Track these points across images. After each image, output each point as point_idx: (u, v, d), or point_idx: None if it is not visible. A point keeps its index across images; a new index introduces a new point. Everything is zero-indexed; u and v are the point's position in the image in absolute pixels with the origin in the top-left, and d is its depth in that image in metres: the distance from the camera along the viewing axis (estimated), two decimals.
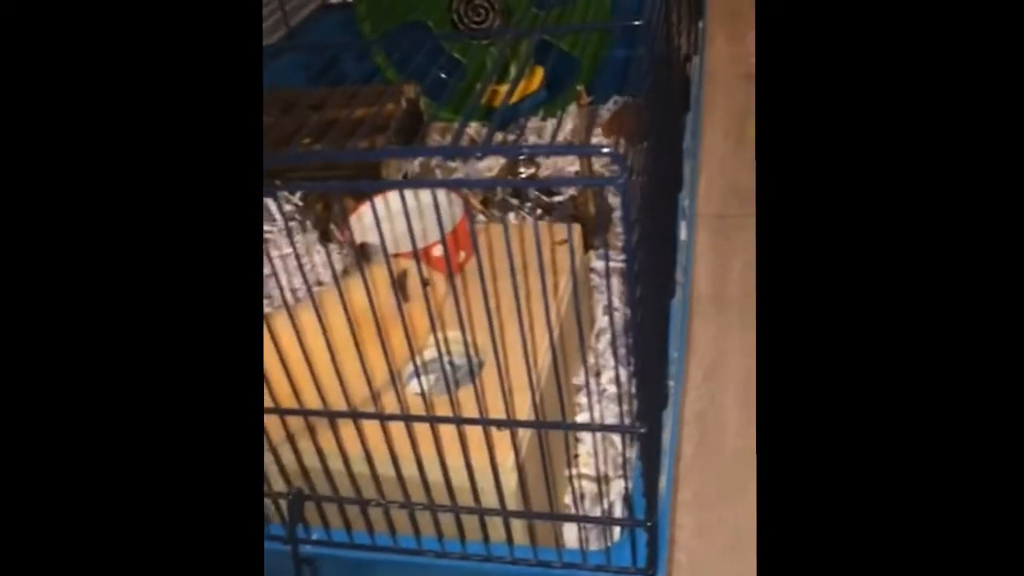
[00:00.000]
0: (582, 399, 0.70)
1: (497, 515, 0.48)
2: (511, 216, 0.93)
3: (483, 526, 0.49)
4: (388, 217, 0.70)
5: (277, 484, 0.51)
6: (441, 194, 0.70)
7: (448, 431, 0.46)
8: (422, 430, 0.46)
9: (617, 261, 0.86)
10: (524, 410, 0.51)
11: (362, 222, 0.71)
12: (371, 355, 0.45)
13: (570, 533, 0.62)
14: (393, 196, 0.71)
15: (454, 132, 0.37)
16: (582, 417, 0.69)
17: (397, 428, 0.47)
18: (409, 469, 0.47)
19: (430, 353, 0.60)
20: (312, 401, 0.46)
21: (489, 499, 0.48)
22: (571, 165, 1.00)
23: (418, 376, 0.51)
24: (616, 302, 0.78)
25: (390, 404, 0.48)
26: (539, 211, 0.92)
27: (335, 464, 0.49)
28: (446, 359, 0.46)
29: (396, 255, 0.60)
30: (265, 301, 0.83)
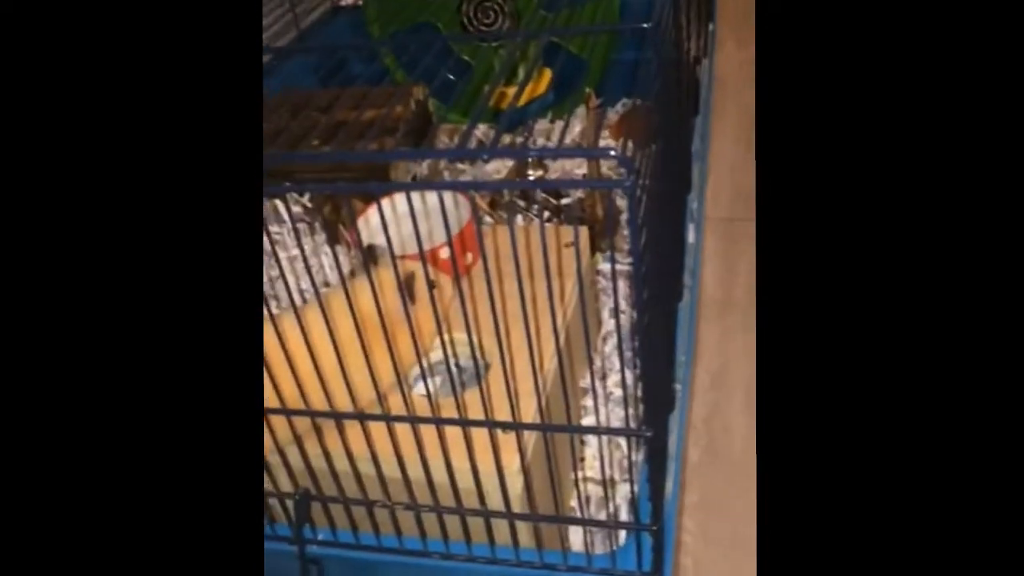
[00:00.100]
0: (588, 402, 0.70)
1: (502, 518, 0.48)
2: (519, 218, 0.93)
3: (488, 528, 0.49)
4: (395, 219, 0.70)
5: (284, 484, 0.51)
6: (448, 197, 0.70)
7: (454, 433, 0.46)
8: (428, 432, 0.46)
9: (624, 264, 0.86)
10: (530, 413, 0.51)
11: (369, 224, 0.71)
12: (377, 357, 0.45)
13: (575, 536, 0.61)
14: (400, 198, 0.71)
15: (462, 134, 0.37)
16: (588, 420, 0.69)
17: (403, 430, 0.47)
18: (415, 471, 0.47)
19: (436, 355, 0.60)
20: (319, 402, 0.47)
21: (495, 501, 0.48)
22: (579, 168, 1.00)
23: (424, 378, 0.51)
24: (623, 305, 0.77)
25: (396, 406, 0.48)
26: (547, 213, 0.92)
27: (341, 465, 0.49)
28: (452, 361, 0.46)
29: (403, 257, 0.60)
30: (272, 303, 0.83)
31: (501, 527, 0.49)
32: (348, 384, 0.45)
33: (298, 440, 0.49)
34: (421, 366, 0.48)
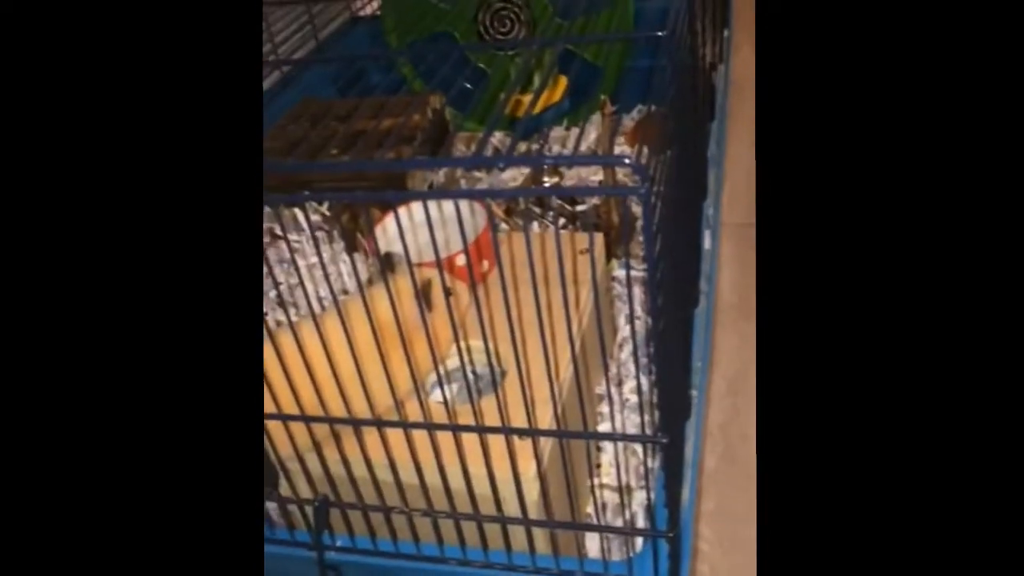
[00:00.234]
0: (604, 409, 0.70)
1: (519, 524, 0.48)
2: (534, 225, 0.93)
3: (505, 535, 0.49)
4: (412, 227, 0.71)
5: (303, 491, 0.51)
6: (464, 204, 0.71)
7: (471, 440, 0.46)
8: (445, 439, 0.46)
9: (639, 270, 0.86)
10: (546, 419, 0.52)
11: (387, 232, 0.72)
12: (395, 364, 0.45)
13: (592, 543, 0.61)
14: (417, 206, 0.72)
15: (478, 142, 0.38)
16: (604, 427, 0.69)
17: (420, 436, 0.47)
18: (432, 477, 0.47)
19: (453, 362, 0.61)
20: (337, 409, 0.47)
21: (511, 508, 0.48)
22: (595, 174, 1.00)
23: (441, 385, 0.51)
24: (638, 311, 0.77)
25: (413, 412, 0.49)
26: (562, 220, 0.92)
27: (359, 471, 0.49)
28: (469, 368, 0.47)
29: (420, 265, 0.61)
30: (292, 310, 0.84)
31: (518, 533, 0.49)
32: (366, 391, 0.46)
33: (317, 446, 0.50)
34: (438, 373, 0.48)
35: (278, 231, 0.95)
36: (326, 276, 0.42)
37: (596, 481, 0.66)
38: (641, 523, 0.61)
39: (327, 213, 0.98)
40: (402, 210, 0.71)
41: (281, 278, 0.91)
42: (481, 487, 0.47)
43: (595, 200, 0.91)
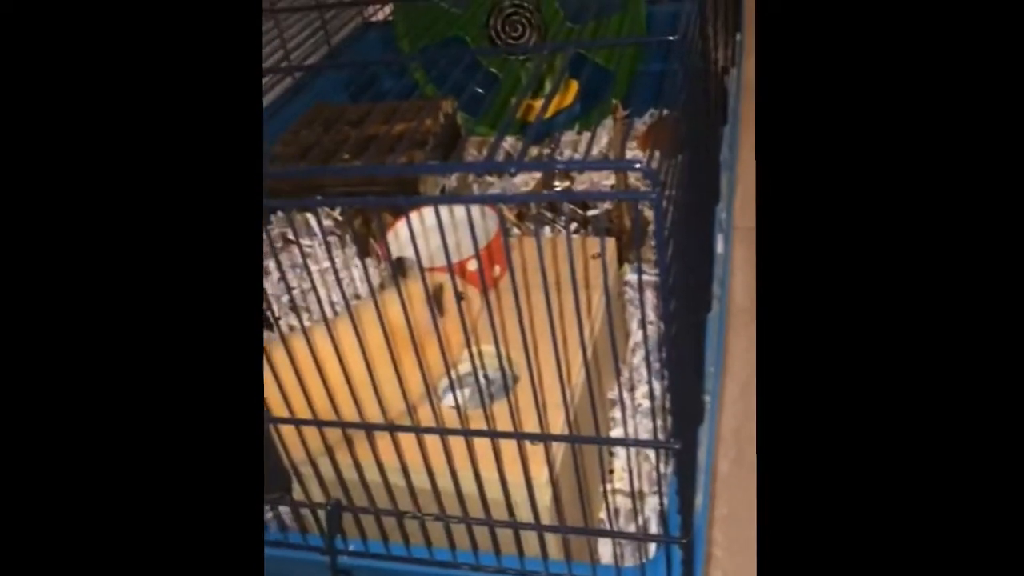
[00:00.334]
0: (616, 414, 0.70)
1: (531, 529, 0.48)
2: (546, 230, 0.93)
3: (517, 540, 0.49)
4: (424, 232, 0.71)
5: (316, 495, 0.51)
6: (476, 209, 0.71)
7: (483, 445, 0.46)
8: (457, 443, 0.46)
9: (651, 274, 0.85)
10: (558, 425, 0.51)
11: (399, 237, 0.72)
12: (407, 368, 0.45)
13: (605, 549, 0.61)
14: (428, 211, 0.72)
15: (490, 147, 0.38)
16: (617, 432, 0.69)
17: (432, 441, 0.47)
18: (444, 482, 0.47)
19: (465, 367, 0.61)
20: (349, 413, 0.47)
21: (523, 513, 0.48)
22: (606, 179, 1.00)
23: (453, 390, 0.51)
24: (651, 316, 0.77)
25: (426, 417, 0.49)
26: (574, 224, 0.92)
27: (372, 476, 0.49)
28: (481, 373, 0.47)
29: (431, 269, 0.61)
30: (304, 315, 0.84)
31: (530, 539, 0.49)
32: (378, 395, 0.46)
33: (329, 451, 0.50)
34: (450, 378, 0.48)
35: (291, 236, 0.96)
36: (338, 281, 0.42)
37: (609, 486, 0.66)
38: (654, 529, 0.61)
39: (339, 218, 0.99)
40: (414, 215, 0.72)
41: (294, 283, 0.92)
42: (493, 492, 0.47)
43: (607, 204, 0.91)
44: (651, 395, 0.43)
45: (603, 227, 0.89)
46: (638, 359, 0.76)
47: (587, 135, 1.13)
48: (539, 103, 1.01)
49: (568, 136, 1.14)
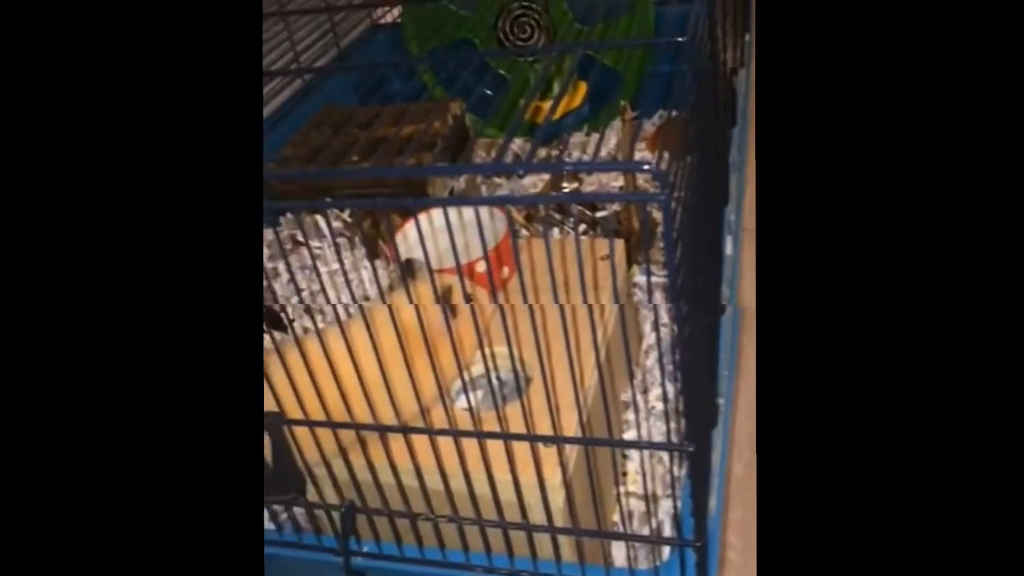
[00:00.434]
0: (630, 416, 0.70)
1: (545, 532, 0.48)
2: (555, 231, 0.93)
3: (531, 543, 0.49)
4: (432, 234, 0.71)
5: (330, 496, 0.52)
6: (484, 211, 0.71)
7: (496, 447, 0.46)
8: (470, 445, 0.46)
9: (660, 276, 0.85)
10: (571, 427, 0.51)
11: (407, 239, 0.72)
12: (419, 370, 0.45)
13: (618, 551, 0.61)
14: (437, 213, 0.72)
15: (498, 148, 0.38)
16: (630, 434, 0.68)
17: (446, 443, 0.47)
18: (457, 484, 0.47)
19: (477, 369, 0.61)
20: (363, 415, 0.47)
21: (537, 515, 0.48)
22: (615, 180, 1.00)
23: (466, 392, 0.51)
24: (664, 318, 0.77)
25: (439, 419, 0.49)
26: (582, 226, 0.92)
27: (385, 477, 0.49)
28: (493, 375, 0.47)
29: (440, 271, 0.61)
30: (317, 317, 0.85)
31: (543, 541, 0.49)
32: (391, 397, 0.46)
33: (343, 453, 0.50)
34: (463, 380, 0.48)
35: (300, 237, 0.96)
36: (347, 282, 0.42)
37: (622, 489, 0.66)
38: (668, 532, 0.60)
39: (349, 220, 0.99)
40: (422, 216, 0.72)
41: (303, 284, 0.92)
42: (506, 494, 0.47)
43: (615, 206, 0.91)
44: (664, 398, 0.43)
45: (612, 229, 0.88)
46: (651, 361, 0.76)
47: (596, 136, 1.13)
48: (547, 105, 1.01)
49: (577, 138, 1.14)
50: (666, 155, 0.36)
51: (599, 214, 0.93)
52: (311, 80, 1.13)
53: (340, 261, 0.42)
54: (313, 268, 0.42)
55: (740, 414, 0.80)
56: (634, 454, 0.68)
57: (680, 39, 0.47)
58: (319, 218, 0.98)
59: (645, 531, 0.61)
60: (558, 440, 0.45)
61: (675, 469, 0.48)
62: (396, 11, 1.28)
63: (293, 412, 0.47)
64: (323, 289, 0.44)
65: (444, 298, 0.53)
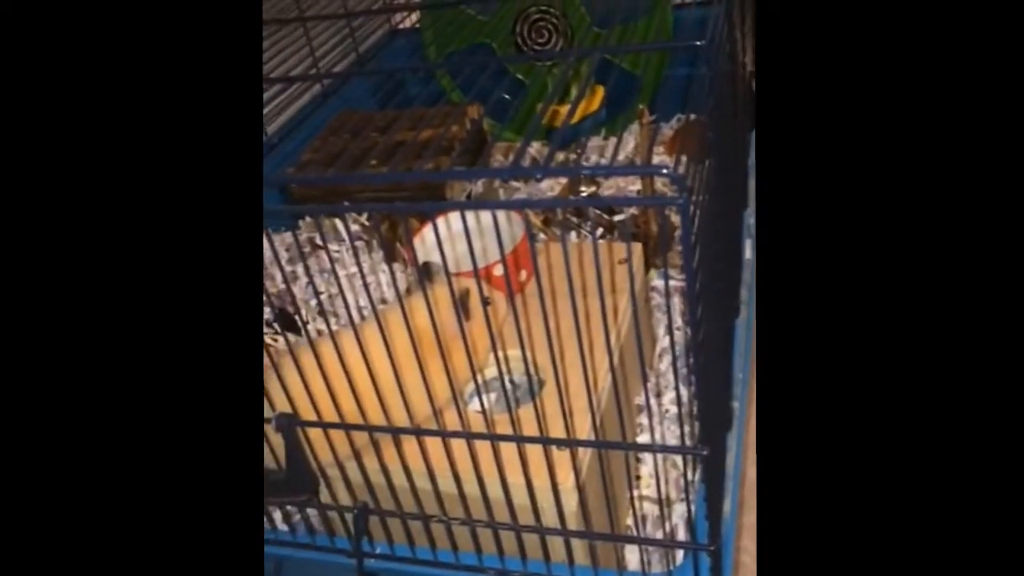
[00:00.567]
0: (644, 419, 0.69)
1: (558, 535, 0.48)
2: (572, 235, 0.93)
3: (544, 546, 0.49)
4: (450, 237, 0.71)
5: (343, 498, 0.52)
6: (501, 214, 0.71)
7: (509, 449, 0.46)
8: (483, 448, 0.47)
9: (678, 280, 0.85)
10: (585, 430, 0.51)
11: (425, 242, 0.72)
12: (433, 373, 0.46)
13: (632, 556, 0.61)
14: (455, 216, 0.72)
15: (515, 152, 0.38)
16: (644, 438, 0.68)
17: (459, 445, 0.47)
18: (470, 486, 0.47)
19: (491, 372, 0.61)
20: (376, 417, 0.48)
21: (549, 518, 0.48)
22: (633, 184, 1.00)
23: (479, 394, 0.51)
24: (678, 321, 0.77)
25: (452, 422, 0.49)
26: (600, 230, 0.92)
27: (398, 480, 0.50)
28: (507, 378, 0.47)
29: (458, 274, 0.61)
30: (331, 319, 0.85)
31: (556, 544, 0.49)
32: (405, 400, 0.46)
33: (356, 454, 0.50)
34: (476, 382, 0.48)
35: (319, 241, 0.97)
36: (365, 286, 0.42)
37: (636, 493, 0.65)
38: (682, 536, 0.60)
39: (367, 223, 1.00)
40: (440, 220, 0.72)
41: (321, 288, 0.93)
42: (519, 497, 0.47)
43: (633, 210, 0.91)
44: (679, 401, 0.43)
45: (629, 232, 0.88)
46: (665, 365, 0.76)
47: (613, 140, 1.13)
48: (565, 109, 1.01)
49: (594, 141, 1.14)
50: (684, 159, 0.36)
51: (617, 218, 0.93)
52: (330, 85, 1.14)
53: (358, 264, 0.42)
54: (331, 271, 0.42)
55: (755, 418, 0.79)
56: (648, 457, 0.67)
57: (699, 42, 0.47)
58: (337, 221, 0.99)
59: (659, 535, 0.61)
60: (571, 443, 0.45)
61: (689, 473, 0.48)
62: (414, 16, 1.28)
63: (307, 414, 0.48)
64: (341, 292, 0.44)
65: (460, 301, 0.53)
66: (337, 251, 0.96)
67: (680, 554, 0.50)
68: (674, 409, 0.69)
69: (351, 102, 1.14)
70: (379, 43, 1.27)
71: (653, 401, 0.72)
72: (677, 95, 1.14)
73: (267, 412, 0.48)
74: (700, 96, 0.45)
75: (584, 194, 0.95)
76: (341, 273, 0.93)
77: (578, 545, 0.51)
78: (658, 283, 0.83)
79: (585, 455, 0.52)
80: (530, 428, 0.47)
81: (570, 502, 0.49)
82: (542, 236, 0.91)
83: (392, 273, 0.45)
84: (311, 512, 0.56)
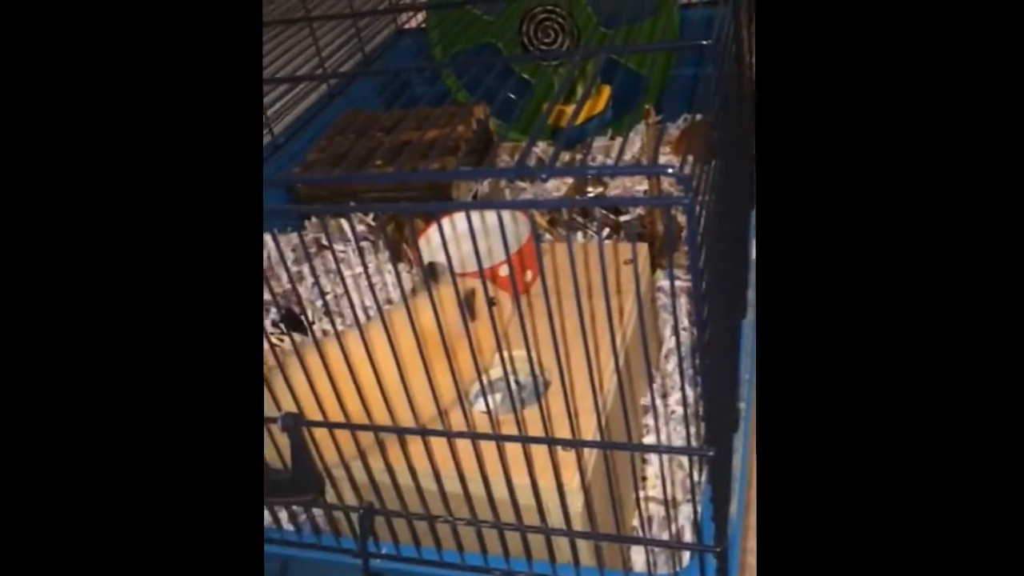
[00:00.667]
0: (650, 420, 0.69)
1: (563, 535, 0.48)
2: (578, 235, 0.93)
3: (549, 547, 0.49)
4: (455, 237, 0.71)
5: (349, 498, 0.52)
6: (507, 214, 0.71)
7: (514, 450, 0.46)
8: (488, 448, 0.47)
9: (684, 280, 0.84)
10: (590, 431, 0.51)
11: (430, 242, 0.72)
12: (439, 373, 0.46)
13: (638, 557, 0.61)
14: (460, 217, 0.72)
15: (521, 152, 0.38)
16: (650, 439, 0.68)
17: (464, 446, 0.47)
18: (476, 487, 0.47)
19: (496, 372, 0.61)
20: (382, 417, 0.48)
21: (555, 519, 0.48)
22: (639, 184, 1.00)
23: (484, 395, 0.51)
24: (684, 322, 0.76)
25: (457, 422, 0.49)
26: (606, 230, 0.92)
27: (404, 480, 0.50)
28: (512, 378, 0.47)
29: (463, 275, 0.61)
30: (337, 320, 0.85)
31: (562, 545, 0.49)
32: (410, 400, 0.46)
33: (362, 455, 0.50)
34: (481, 383, 0.48)
35: (324, 241, 0.97)
36: (371, 286, 0.42)
37: (642, 494, 0.65)
38: (688, 537, 0.60)
39: (372, 223, 1.00)
40: (446, 220, 0.72)
41: (327, 288, 0.93)
42: (525, 497, 0.47)
43: (639, 210, 0.91)
44: (684, 402, 0.43)
45: (635, 232, 0.88)
46: (672, 365, 0.75)
47: (619, 140, 1.12)
48: (571, 108, 1.01)
49: (600, 141, 1.14)
50: (691, 159, 0.36)
51: (623, 218, 0.93)
52: (336, 85, 1.14)
53: (364, 265, 0.42)
54: (337, 271, 0.42)
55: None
56: (654, 458, 0.67)
57: (705, 42, 0.47)
58: (343, 222, 0.99)
59: (665, 536, 0.61)
60: (577, 444, 0.45)
61: (695, 474, 0.48)
62: (421, 16, 1.29)
63: (312, 414, 0.48)
64: (347, 292, 0.44)
65: (466, 301, 0.53)
66: (343, 251, 0.97)
67: (686, 555, 0.50)
68: (680, 410, 0.69)
69: (357, 102, 1.14)
70: (385, 43, 1.27)
71: (659, 402, 0.72)
72: (683, 95, 1.14)
73: (273, 412, 0.48)
74: (706, 96, 0.45)
75: (590, 194, 0.95)
76: (347, 273, 0.93)
77: (583, 546, 0.50)
78: (664, 283, 0.83)
79: (591, 456, 0.52)
80: (535, 429, 0.46)
81: (575, 503, 0.49)
82: (548, 236, 0.91)
83: (398, 273, 0.45)
84: (317, 512, 0.56)
